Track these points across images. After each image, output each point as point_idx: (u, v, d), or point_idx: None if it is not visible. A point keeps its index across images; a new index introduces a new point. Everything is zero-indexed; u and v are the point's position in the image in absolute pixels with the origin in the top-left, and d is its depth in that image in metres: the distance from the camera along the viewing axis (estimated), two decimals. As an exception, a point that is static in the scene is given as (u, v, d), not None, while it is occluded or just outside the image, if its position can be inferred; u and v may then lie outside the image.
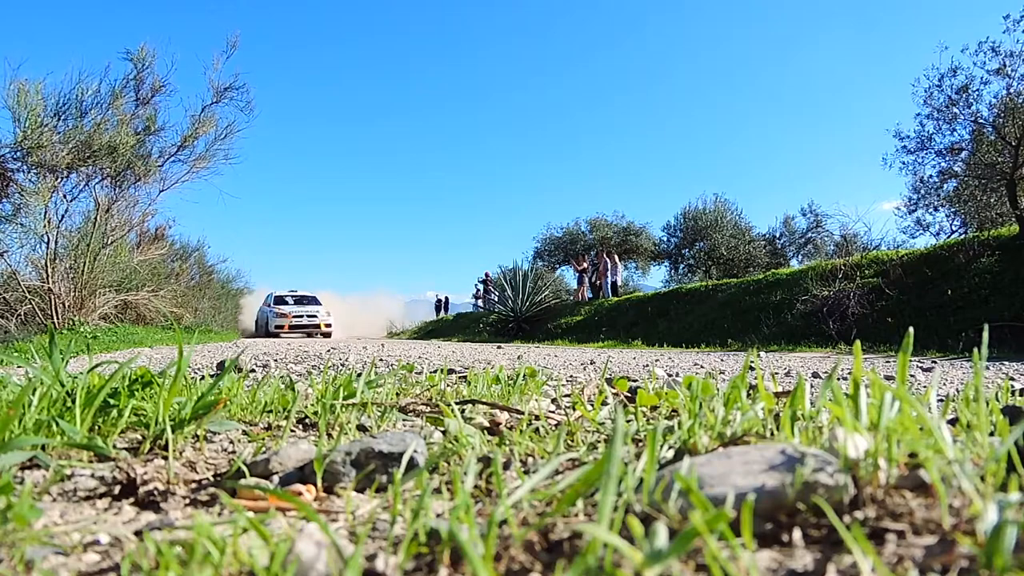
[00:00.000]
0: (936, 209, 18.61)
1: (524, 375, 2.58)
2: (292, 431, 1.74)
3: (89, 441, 1.29)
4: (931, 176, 17.13)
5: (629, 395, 2.27)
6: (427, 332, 32.98)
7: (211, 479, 1.22)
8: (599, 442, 1.47)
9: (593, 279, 27.43)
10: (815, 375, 5.44)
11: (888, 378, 4.77)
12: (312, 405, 1.91)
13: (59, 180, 17.16)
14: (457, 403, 1.88)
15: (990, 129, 14.85)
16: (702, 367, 6.84)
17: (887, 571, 0.62)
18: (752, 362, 1.48)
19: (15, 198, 16.59)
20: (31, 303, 17.55)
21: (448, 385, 2.68)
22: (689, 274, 33.07)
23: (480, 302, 33.39)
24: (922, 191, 18.04)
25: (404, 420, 1.95)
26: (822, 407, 1.20)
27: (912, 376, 5.31)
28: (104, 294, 19.00)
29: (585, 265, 27.94)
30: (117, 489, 1.14)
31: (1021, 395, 3.05)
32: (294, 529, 0.76)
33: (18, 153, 15.90)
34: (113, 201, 18.67)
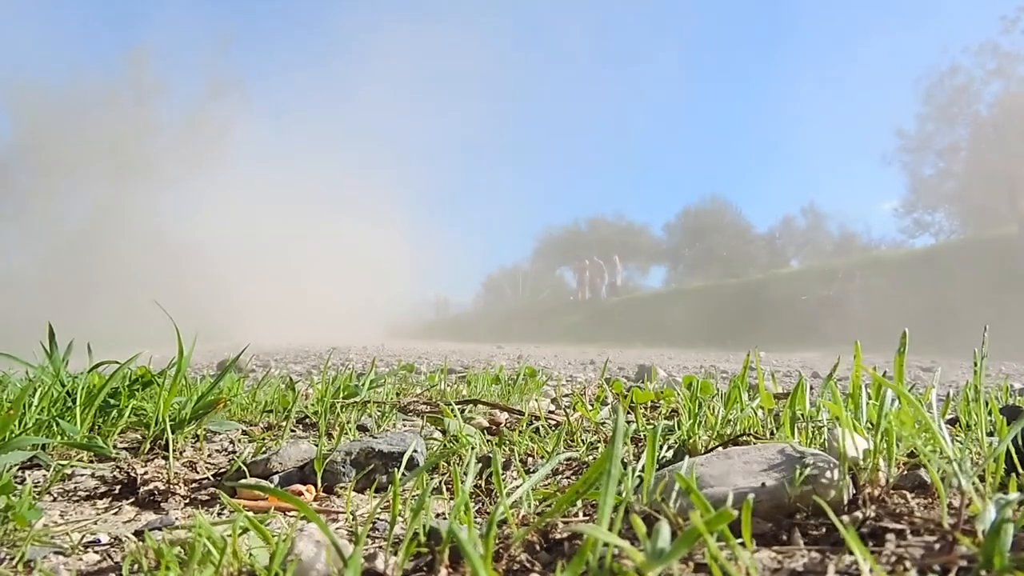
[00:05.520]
0: (935, 209, 18.66)
1: (524, 375, 2.58)
2: (292, 431, 1.74)
3: (89, 441, 1.30)
4: (930, 175, 17.20)
5: (628, 395, 2.27)
6: (427, 332, 32.97)
7: (211, 479, 1.22)
8: (599, 442, 1.47)
9: (593, 279, 27.45)
10: (815, 375, 5.44)
11: (887, 378, 4.75)
12: (312, 405, 1.91)
13: (59, 179, 17.14)
14: (457, 403, 1.88)
15: (989, 129, 14.89)
16: (702, 367, 6.84)
17: (884, 572, 0.62)
18: (752, 362, 1.48)
19: (15, 197, 16.59)
20: (31, 302, 17.53)
21: (448, 385, 2.68)
22: (689, 274, 33.12)
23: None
24: (921, 191, 18.09)
25: (404, 420, 1.95)
26: (822, 407, 1.20)
27: (912, 376, 5.31)
28: (105, 294, 18.98)
29: (585, 264, 27.98)
30: (117, 489, 1.14)
31: (1020, 395, 3.05)
32: (294, 529, 0.76)
33: (18, 152, 15.89)
34: (113, 200, 18.65)
